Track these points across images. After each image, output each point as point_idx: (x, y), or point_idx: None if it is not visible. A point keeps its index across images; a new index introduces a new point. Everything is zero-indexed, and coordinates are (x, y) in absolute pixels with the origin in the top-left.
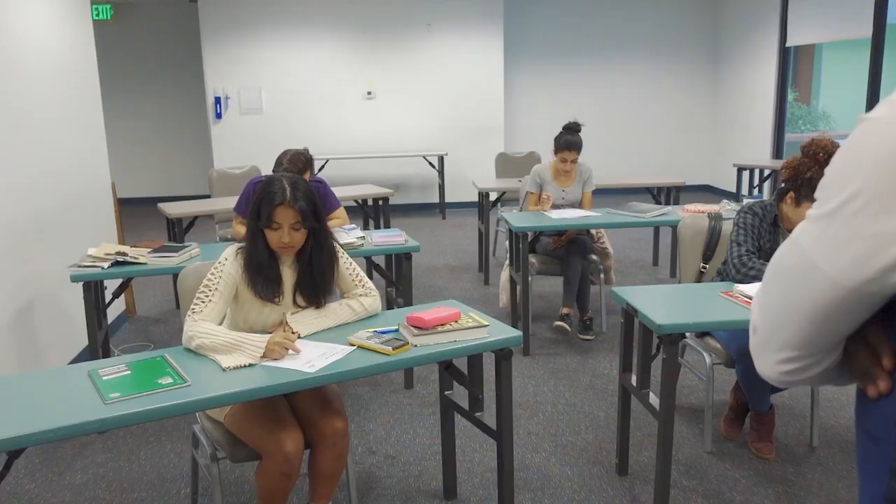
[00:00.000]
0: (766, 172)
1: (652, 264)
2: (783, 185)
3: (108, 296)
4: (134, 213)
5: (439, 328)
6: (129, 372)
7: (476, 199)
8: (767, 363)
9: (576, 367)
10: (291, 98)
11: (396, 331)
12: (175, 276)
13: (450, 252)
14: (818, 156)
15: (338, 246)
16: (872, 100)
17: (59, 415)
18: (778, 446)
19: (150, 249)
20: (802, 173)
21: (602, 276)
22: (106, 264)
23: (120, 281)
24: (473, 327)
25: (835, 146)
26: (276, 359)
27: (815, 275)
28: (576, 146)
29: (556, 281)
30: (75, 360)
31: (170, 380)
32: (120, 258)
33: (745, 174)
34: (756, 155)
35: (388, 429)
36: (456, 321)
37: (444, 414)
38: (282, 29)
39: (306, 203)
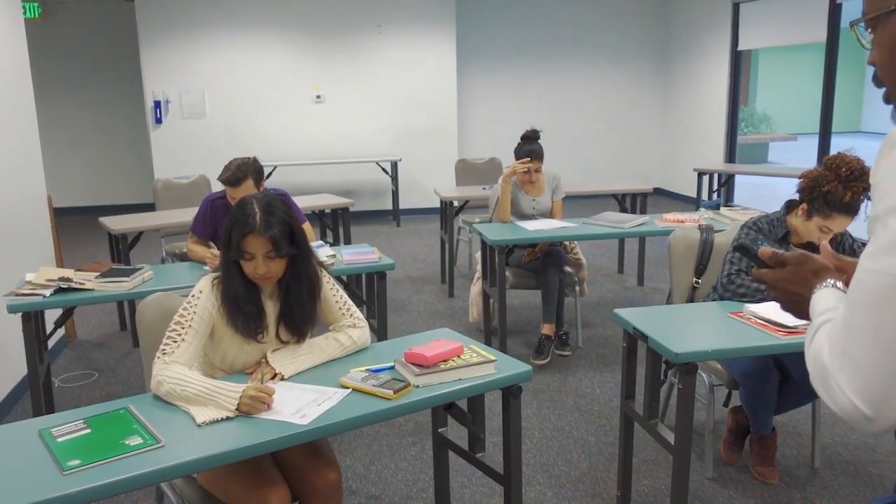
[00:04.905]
0: (724, 177)
1: (617, 272)
2: (797, 194)
3: (48, 325)
4: (68, 224)
5: (442, 365)
6: (88, 430)
7: (431, 204)
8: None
9: (557, 386)
10: (236, 102)
11: (392, 368)
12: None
13: (409, 262)
14: (840, 170)
15: (323, 272)
16: (828, 102)
17: (5, 492)
18: (779, 468)
19: (96, 273)
20: (820, 186)
21: (577, 288)
22: (48, 292)
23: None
24: (480, 363)
25: (860, 164)
26: (252, 414)
27: None
28: (536, 154)
29: (525, 293)
30: (11, 395)
31: (139, 440)
32: (63, 284)
33: (705, 179)
34: (709, 159)
35: (367, 464)
36: (459, 356)
37: (438, 453)
38: (225, 29)
39: (280, 229)
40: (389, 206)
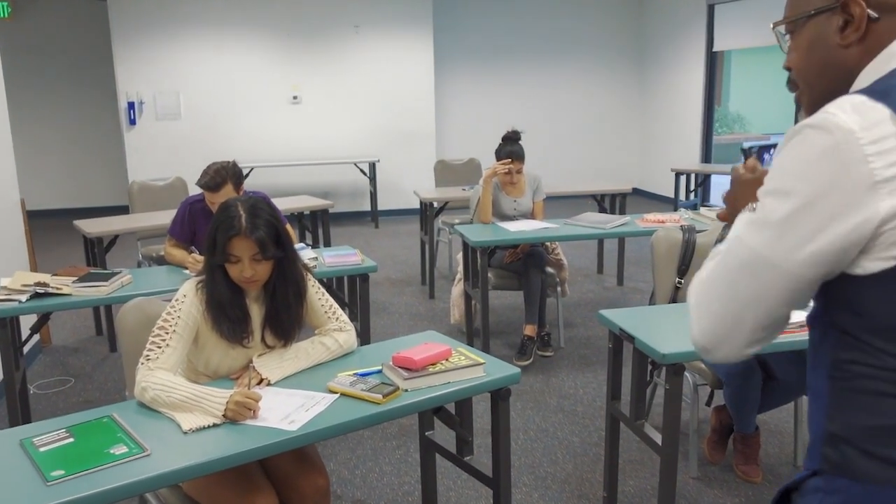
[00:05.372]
0: (701, 178)
1: (597, 272)
2: None
3: (23, 331)
4: (40, 227)
5: (430, 369)
6: (71, 440)
7: (409, 205)
8: (735, 348)
9: (540, 387)
10: (212, 103)
11: (380, 372)
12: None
13: (388, 263)
14: None
15: (308, 275)
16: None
17: None
18: (762, 466)
19: (73, 278)
20: None
21: (559, 288)
22: (24, 297)
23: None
24: (468, 366)
25: None
26: (239, 421)
27: (773, 271)
28: (517, 155)
29: (505, 293)
30: None
31: (124, 448)
32: (40, 289)
33: (682, 179)
34: (685, 159)
35: (352, 468)
36: (447, 359)
37: (425, 456)
38: (200, 29)
39: (267, 231)
40: (367, 208)
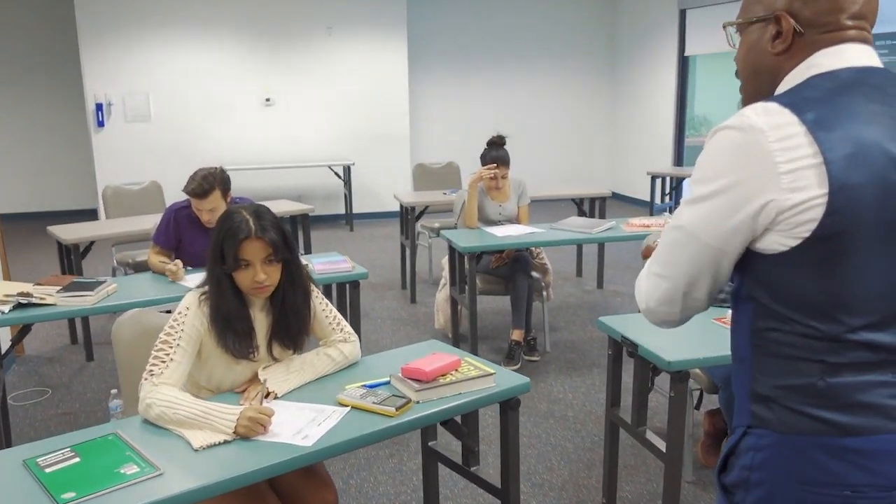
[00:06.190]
0: (675, 181)
1: (576, 275)
2: None
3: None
4: (5, 231)
5: (441, 380)
6: (77, 459)
7: (384, 208)
8: (673, 312)
9: (529, 392)
10: (182, 104)
11: (388, 384)
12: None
13: (367, 268)
14: None
15: (312, 285)
16: None
17: None
18: None
19: (57, 287)
20: None
21: (545, 293)
22: (6, 308)
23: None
24: (479, 377)
25: None
26: (250, 437)
27: (698, 244)
28: (503, 160)
29: (488, 298)
30: None
31: (135, 468)
32: (23, 300)
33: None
34: (658, 162)
35: (346, 479)
36: (457, 370)
37: (428, 466)
38: (171, 29)
39: (276, 232)
40: (341, 211)
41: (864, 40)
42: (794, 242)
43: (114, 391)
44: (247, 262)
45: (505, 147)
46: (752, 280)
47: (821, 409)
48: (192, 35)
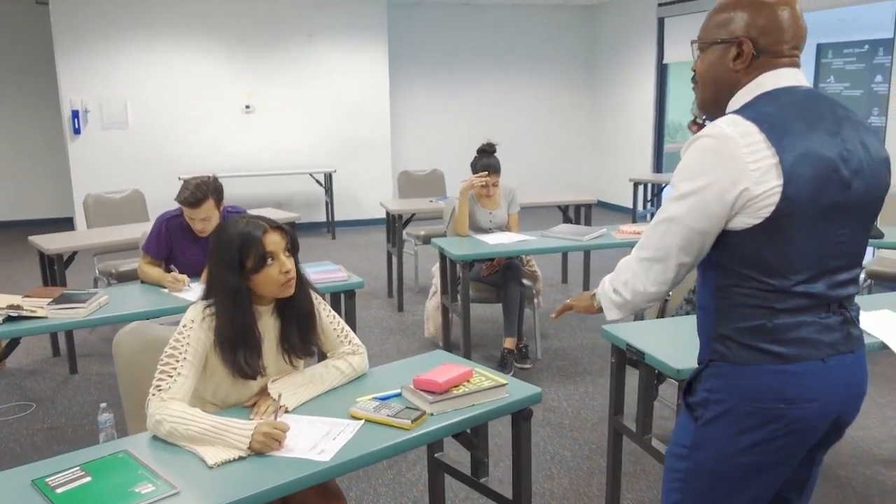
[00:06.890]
0: (656, 188)
1: (561, 282)
2: None
3: None
4: None
5: (454, 391)
6: (88, 478)
7: (366, 216)
8: (663, 290)
9: None
10: (161, 111)
11: (399, 396)
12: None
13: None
14: None
15: (317, 295)
16: None
17: None
18: None
19: (47, 300)
20: None
21: (536, 300)
22: None
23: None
24: (492, 387)
25: None
26: (266, 452)
27: (681, 227)
28: (494, 168)
29: (478, 306)
30: None
31: (150, 487)
32: (13, 313)
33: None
34: (638, 169)
35: (345, 490)
36: (469, 381)
37: (434, 478)
38: (148, 34)
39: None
40: (322, 218)
41: (795, 65)
42: (757, 221)
43: (103, 405)
44: (272, 256)
45: (495, 155)
46: (721, 250)
47: (768, 344)
48: (170, 41)
